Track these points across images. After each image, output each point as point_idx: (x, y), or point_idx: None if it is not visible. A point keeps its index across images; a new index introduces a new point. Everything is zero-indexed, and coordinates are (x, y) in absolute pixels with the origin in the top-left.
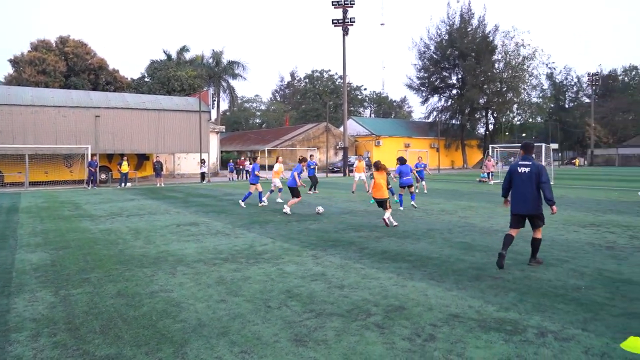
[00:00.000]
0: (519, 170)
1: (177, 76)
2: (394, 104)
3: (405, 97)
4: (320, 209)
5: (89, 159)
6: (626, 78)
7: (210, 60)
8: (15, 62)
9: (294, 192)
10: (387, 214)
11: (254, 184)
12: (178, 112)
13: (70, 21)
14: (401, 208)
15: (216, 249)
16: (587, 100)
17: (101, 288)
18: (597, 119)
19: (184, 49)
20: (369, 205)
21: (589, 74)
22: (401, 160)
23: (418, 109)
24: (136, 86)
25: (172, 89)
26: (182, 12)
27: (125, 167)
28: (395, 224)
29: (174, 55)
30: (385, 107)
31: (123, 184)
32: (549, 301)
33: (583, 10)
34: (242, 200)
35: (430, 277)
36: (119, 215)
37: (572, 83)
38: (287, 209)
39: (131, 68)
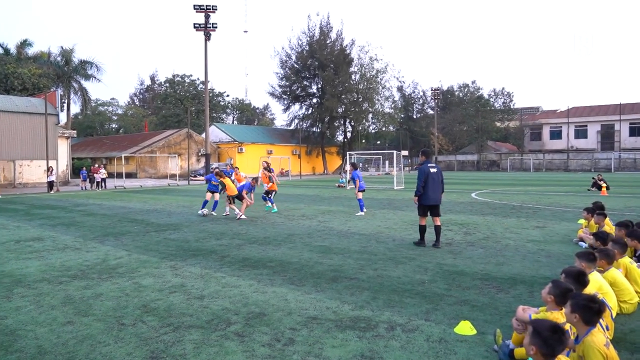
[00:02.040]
0: (432, 171)
1: (18, 73)
2: (257, 111)
3: (268, 104)
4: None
5: None
6: (461, 93)
7: (59, 59)
8: None
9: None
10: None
11: (213, 192)
12: (19, 114)
13: None
14: (362, 213)
15: (63, 265)
16: (431, 112)
17: None
18: (439, 128)
19: (25, 43)
20: (229, 212)
21: (432, 89)
22: (354, 166)
23: (280, 117)
24: None
25: (11, 87)
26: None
27: None
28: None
29: (12, 50)
30: (248, 114)
31: None
32: (398, 296)
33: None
34: (202, 209)
35: (290, 282)
36: None
37: (419, 96)
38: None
39: None
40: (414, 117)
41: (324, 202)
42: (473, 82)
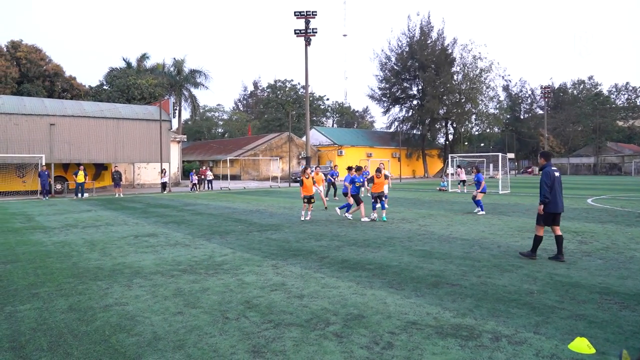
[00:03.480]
0: (556, 175)
1: (137, 84)
2: (356, 114)
3: (367, 107)
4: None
5: (40, 169)
6: (575, 91)
7: (172, 69)
8: None
9: (356, 199)
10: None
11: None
12: (138, 121)
13: (22, 25)
14: (483, 212)
15: (175, 260)
16: (541, 111)
17: (51, 303)
18: (549, 129)
19: (144, 57)
20: (330, 215)
21: (542, 87)
22: (477, 169)
23: (380, 119)
24: (94, 94)
25: (131, 97)
26: (143, 19)
27: (81, 177)
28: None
29: (134, 63)
30: (347, 117)
31: (79, 195)
32: (504, 306)
33: (537, 26)
34: (340, 208)
35: (390, 285)
36: (74, 227)
37: (527, 95)
38: (349, 216)
39: (89, 76)
40: (521, 117)
41: (425, 205)
42: (590, 78)
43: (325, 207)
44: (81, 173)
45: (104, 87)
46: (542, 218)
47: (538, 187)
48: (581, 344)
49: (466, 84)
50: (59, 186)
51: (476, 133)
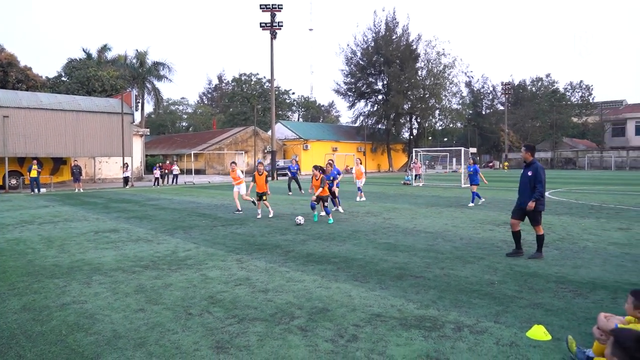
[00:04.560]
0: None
1: (98, 76)
2: (322, 108)
3: (333, 101)
4: (301, 219)
5: None
6: (534, 88)
7: (134, 61)
8: None
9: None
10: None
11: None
12: (98, 114)
13: None
14: (474, 203)
15: (137, 256)
16: (501, 107)
17: (3, 303)
18: (510, 125)
19: (105, 48)
20: (295, 209)
21: (502, 83)
22: (475, 161)
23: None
24: (52, 85)
25: (92, 89)
26: (104, 8)
27: (34, 172)
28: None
29: (94, 54)
30: (313, 112)
31: (36, 190)
32: (466, 297)
33: (497, 23)
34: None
35: (355, 278)
36: (30, 223)
37: (488, 91)
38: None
39: (46, 66)
40: (483, 113)
41: (389, 199)
42: (547, 76)
43: (239, 210)
44: (35, 168)
45: (63, 78)
46: (519, 214)
47: (501, 182)
48: (538, 332)
49: (430, 80)
50: (13, 181)
51: (440, 128)
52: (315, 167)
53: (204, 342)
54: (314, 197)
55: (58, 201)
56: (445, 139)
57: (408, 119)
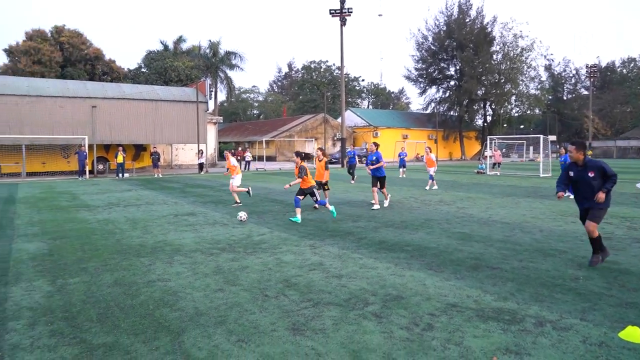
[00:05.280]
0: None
1: (174, 67)
2: (392, 95)
3: (403, 88)
4: (243, 215)
5: (79, 150)
6: (624, 70)
7: (208, 51)
8: (10, 51)
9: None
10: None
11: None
12: (175, 103)
13: (65, 11)
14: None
15: (214, 238)
16: (586, 92)
17: (98, 277)
18: (595, 111)
19: (180, 39)
20: (367, 196)
21: (587, 66)
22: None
23: (416, 100)
24: (133, 77)
25: (169, 79)
26: (178, 1)
27: (120, 158)
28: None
29: (170, 46)
30: (383, 98)
31: (120, 175)
32: (547, 291)
33: (582, 2)
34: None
35: (429, 267)
36: (116, 205)
37: (571, 75)
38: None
39: (128, 58)
40: (564, 98)
41: (463, 188)
42: None
43: (237, 202)
44: (121, 154)
45: (142, 69)
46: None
47: None
48: (634, 333)
49: (506, 64)
50: (101, 166)
51: (516, 115)
52: (297, 154)
53: (280, 324)
54: (298, 192)
55: (140, 185)
56: (522, 126)
57: (482, 105)
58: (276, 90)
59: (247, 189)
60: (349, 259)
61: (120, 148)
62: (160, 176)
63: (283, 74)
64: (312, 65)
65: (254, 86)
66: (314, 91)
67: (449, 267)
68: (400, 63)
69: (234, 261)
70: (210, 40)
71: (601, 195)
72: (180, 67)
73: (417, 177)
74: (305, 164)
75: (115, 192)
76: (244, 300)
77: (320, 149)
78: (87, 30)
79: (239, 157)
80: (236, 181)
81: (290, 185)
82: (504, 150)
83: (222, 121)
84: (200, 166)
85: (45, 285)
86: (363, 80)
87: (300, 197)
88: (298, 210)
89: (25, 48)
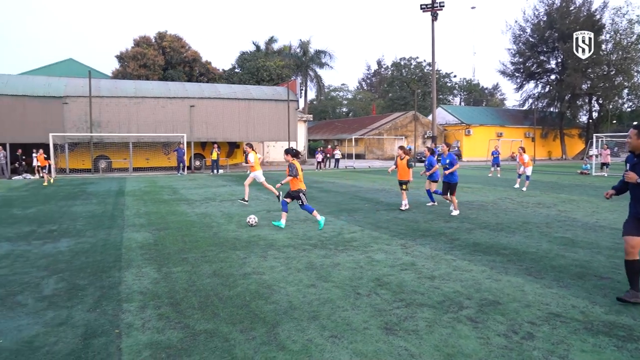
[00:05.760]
0: None
1: (266, 66)
2: (486, 91)
3: (497, 84)
4: (252, 219)
5: (178, 147)
6: None
7: (298, 50)
8: (120, 57)
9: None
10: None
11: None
12: (267, 102)
13: (167, 17)
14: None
15: (305, 235)
16: None
17: (198, 268)
18: None
19: (272, 40)
20: (458, 196)
21: None
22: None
23: (512, 97)
24: (227, 77)
25: (261, 79)
26: (270, 3)
27: (215, 154)
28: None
29: (262, 46)
30: (476, 95)
31: (215, 171)
32: None
33: None
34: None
35: (527, 273)
36: (212, 200)
37: None
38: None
39: (223, 60)
40: None
41: (564, 189)
42: None
43: (277, 195)
44: (215, 151)
45: (236, 70)
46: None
47: None
48: None
49: (617, 54)
50: (197, 163)
51: (628, 110)
52: (286, 151)
53: (373, 322)
54: (286, 194)
55: (233, 181)
56: (635, 123)
57: (587, 100)
58: (365, 87)
59: (244, 195)
60: (441, 260)
61: (216, 145)
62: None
63: (372, 71)
64: (402, 62)
65: (343, 84)
66: (404, 88)
67: (550, 273)
68: (495, 57)
69: (325, 258)
70: (300, 40)
71: None
72: (272, 66)
73: (512, 177)
74: (297, 162)
75: (211, 187)
76: (336, 297)
77: (401, 147)
78: (186, 34)
79: (327, 155)
80: (259, 177)
81: (281, 184)
82: (615, 149)
83: (311, 119)
84: None
85: (152, 272)
86: (455, 76)
87: (288, 200)
88: (284, 214)
89: (133, 53)
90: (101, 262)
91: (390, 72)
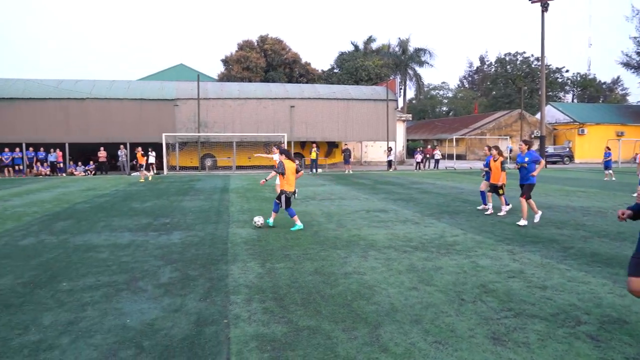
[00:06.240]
0: None
1: (364, 66)
2: (603, 86)
3: (618, 77)
4: (258, 220)
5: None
6: None
7: (397, 49)
8: (225, 61)
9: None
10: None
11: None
12: (366, 101)
13: (269, 21)
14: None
15: (406, 236)
16: None
17: (300, 265)
18: None
19: (370, 39)
20: (572, 200)
21: None
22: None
23: (636, 92)
24: (326, 77)
25: (359, 78)
26: (368, 2)
27: (314, 154)
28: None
29: (361, 46)
30: (591, 91)
31: (314, 170)
32: None
33: None
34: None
35: None
36: (312, 199)
37: None
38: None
39: (322, 60)
40: None
41: None
42: None
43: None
44: (314, 150)
45: (335, 70)
46: None
47: None
48: None
49: None
50: (297, 162)
51: None
52: (281, 151)
53: (479, 330)
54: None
55: (332, 181)
56: None
57: None
58: (467, 85)
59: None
60: (553, 270)
61: (315, 145)
62: (351, 172)
63: (474, 68)
64: (507, 58)
65: (443, 82)
66: (509, 85)
67: None
68: (615, 48)
69: (427, 260)
70: (399, 38)
71: None
72: (370, 66)
73: (634, 182)
74: (290, 163)
75: (310, 186)
76: (439, 302)
77: (495, 147)
78: (286, 36)
79: (427, 155)
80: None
81: (266, 181)
82: None
83: (410, 119)
84: (389, 163)
85: (257, 267)
86: (567, 71)
87: (278, 201)
88: (274, 214)
89: (237, 57)
90: (210, 255)
91: (494, 69)
